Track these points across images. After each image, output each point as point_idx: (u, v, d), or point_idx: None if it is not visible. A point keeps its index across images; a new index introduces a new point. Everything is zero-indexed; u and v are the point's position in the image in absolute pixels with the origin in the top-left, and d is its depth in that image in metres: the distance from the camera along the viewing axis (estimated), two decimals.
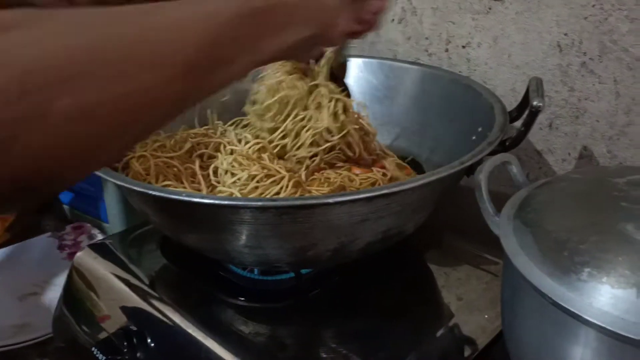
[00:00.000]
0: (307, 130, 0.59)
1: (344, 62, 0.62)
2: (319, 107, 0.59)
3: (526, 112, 0.55)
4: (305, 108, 0.60)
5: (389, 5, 0.52)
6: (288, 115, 0.60)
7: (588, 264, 0.35)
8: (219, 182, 0.59)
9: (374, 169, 0.61)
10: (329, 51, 0.60)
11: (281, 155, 0.62)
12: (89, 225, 0.88)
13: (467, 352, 0.50)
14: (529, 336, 0.40)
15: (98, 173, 0.51)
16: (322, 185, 0.58)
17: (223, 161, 0.60)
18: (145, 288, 0.57)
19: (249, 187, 0.56)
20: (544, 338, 0.38)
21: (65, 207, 0.93)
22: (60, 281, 0.67)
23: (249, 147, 0.60)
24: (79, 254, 0.64)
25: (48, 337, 0.67)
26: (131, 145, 0.34)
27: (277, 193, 0.55)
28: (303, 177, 0.59)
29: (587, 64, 0.63)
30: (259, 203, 0.48)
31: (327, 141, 0.59)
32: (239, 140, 0.63)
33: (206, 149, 0.65)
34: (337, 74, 0.61)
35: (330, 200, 0.45)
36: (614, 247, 0.36)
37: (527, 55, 0.68)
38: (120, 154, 0.33)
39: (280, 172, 0.56)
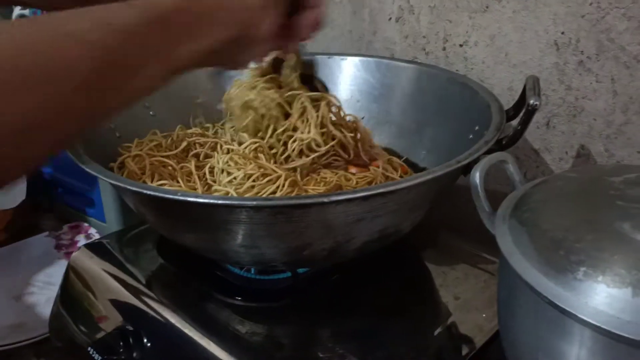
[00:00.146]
0: (293, 142, 0.58)
1: (310, 60, 0.61)
2: (304, 112, 0.58)
3: (523, 111, 0.54)
4: (286, 117, 0.59)
5: (324, 22, 0.49)
6: (268, 130, 0.59)
7: (584, 263, 0.35)
8: (215, 182, 0.59)
9: (371, 167, 0.61)
10: (271, 57, 0.59)
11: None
12: (86, 224, 0.88)
13: (464, 350, 0.50)
14: (525, 335, 0.40)
15: (93, 172, 0.51)
16: (318, 184, 0.58)
17: (219, 160, 0.59)
18: (142, 288, 0.57)
19: (245, 186, 0.56)
20: (539, 337, 0.37)
21: (62, 206, 0.92)
22: (57, 281, 0.66)
23: (246, 147, 0.60)
24: (75, 253, 0.64)
25: (44, 337, 0.67)
26: (39, 160, 0.32)
27: (274, 192, 0.55)
28: (299, 176, 0.58)
29: (585, 63, 0.63)
30: (254, 202, 0.47)
31: (315, 151, 0.58)
32: (233, 140, 0.63)
33: (202, 148, 0.65)
34: (308, 73, 0.60)
35: (326, 200, 0.45)
36: (609, 246, 0.36)
37: (524, 54, 0.67)
38: (26, 168, 0.31)
39: (276, 172, 0.56)
